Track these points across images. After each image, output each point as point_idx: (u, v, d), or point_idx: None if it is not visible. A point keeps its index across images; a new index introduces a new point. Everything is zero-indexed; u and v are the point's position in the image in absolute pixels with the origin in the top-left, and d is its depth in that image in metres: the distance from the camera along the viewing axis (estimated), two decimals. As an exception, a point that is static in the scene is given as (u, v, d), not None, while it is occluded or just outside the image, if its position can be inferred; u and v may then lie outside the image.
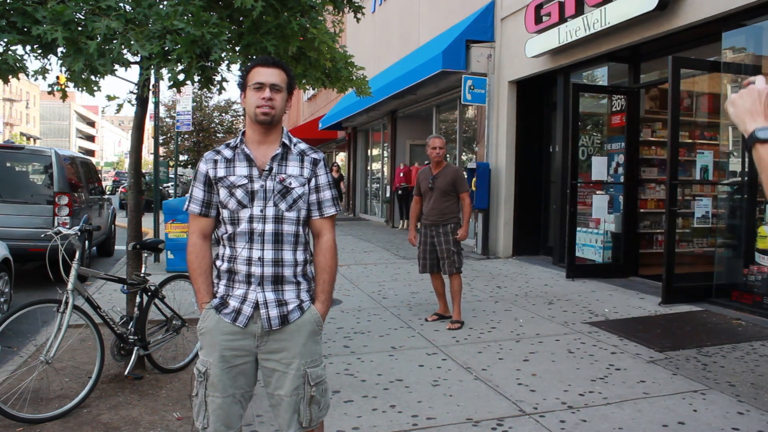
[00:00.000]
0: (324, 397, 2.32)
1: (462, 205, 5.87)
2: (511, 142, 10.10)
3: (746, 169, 6.38)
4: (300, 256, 2.30)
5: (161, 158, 14.96)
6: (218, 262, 2.31)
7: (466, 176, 10.66)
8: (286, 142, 2.32)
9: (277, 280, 2.25)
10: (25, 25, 3.48)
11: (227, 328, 2.24)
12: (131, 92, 4.31)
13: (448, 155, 14.11)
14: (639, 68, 8.14)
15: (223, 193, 2.26)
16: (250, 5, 3.58)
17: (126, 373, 4.12)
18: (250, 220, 2.23)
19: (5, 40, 3.52)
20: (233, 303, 2.25)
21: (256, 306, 2.23)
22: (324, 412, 2.34)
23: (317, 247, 2.37)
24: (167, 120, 29.25)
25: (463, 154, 12.73)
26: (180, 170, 26.28)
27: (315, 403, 2.27)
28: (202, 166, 2.31)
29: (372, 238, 13.28)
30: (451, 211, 5.81)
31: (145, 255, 4.40)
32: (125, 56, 3.68)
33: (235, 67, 4.13)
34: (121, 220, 8.77)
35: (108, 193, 11.54)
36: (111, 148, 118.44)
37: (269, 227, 2.24)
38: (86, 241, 8.27)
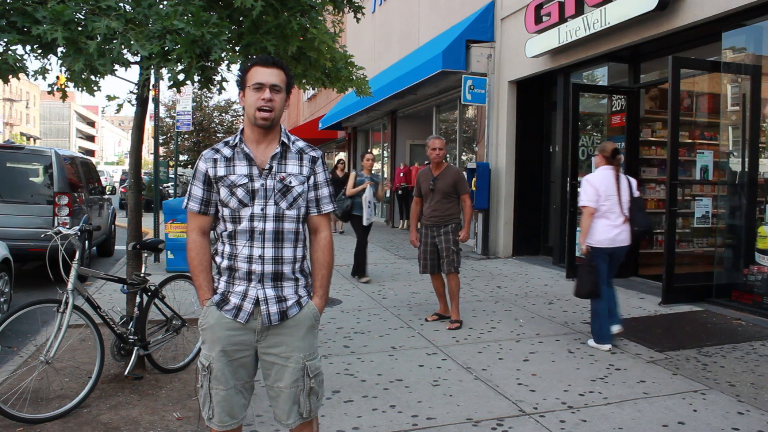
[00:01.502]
0: (321, 389, 2.40)
1: (463, 207, 5.85)
2: (511, 142, 10.10)
3: (746, 169, 6.38)
4: (299, 253, 2.34)
5: (161, 158, 14.96)
6: (218, 259, 2.34)
7: (465, 176, 10.69)
8: (285, 140, 2.34)
9: (277, 277, 2.29)
10: (25, 25, 3.48)
11: (228, 323, 2.29)
12: (131, 92, 4.31)
13: (447, 155, 14.12)
14: (639, 68, 8.14)
15: (223, 192, 2.28)
16: (250, 5, 3.58)
17: (126, 373, 4.12)
18: (251, 218, 2.26)
19: (5, 40, 3.52)
20: (234, 299, 2.29)
21: (256, 302, 2.28)
22: (321, 403, 2.42)
23: (315, 244, 2.42)
24: (167, 120, 29.26)
25: (463, 154, 12.73)
26: (180, 170, 26.27)
27: (314, 394, 2.35)
28: (202, 165, 2.32)
29: (372, 238, 13.20)
30: (453, 212, 5.79)
31: (145, 255, 4.40)
32: (125, 56, 3.68)
33: (235, 67, 4.12)
34: (121, 220, 8.78)
35: (108, 193, 11.51)
36: (111, 148, 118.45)
37: (270, 225, 2.27)
38: (86, 241, 8.26)
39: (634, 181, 5.18)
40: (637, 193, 5.12)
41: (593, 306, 4.98)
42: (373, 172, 8.40)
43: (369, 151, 9.19)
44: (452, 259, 5.71)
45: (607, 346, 4.90)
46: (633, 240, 5.03)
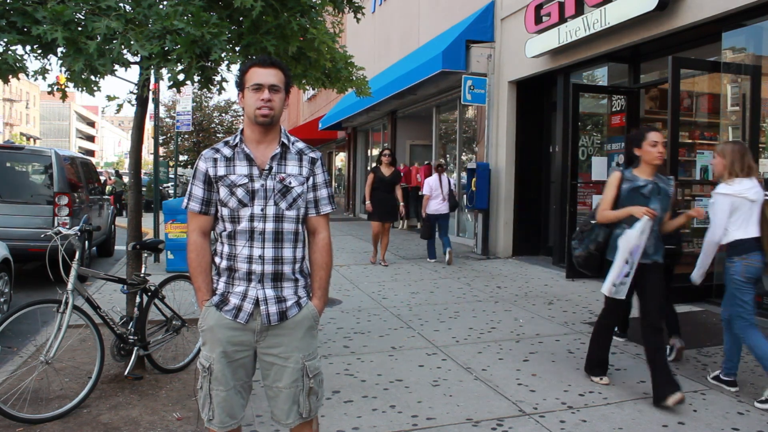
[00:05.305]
0: (321, 389, 2.41)
1: None
2: (511, 142, 10.10)
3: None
4: (299, 254, 2.35)
5: (161, 158, 14.94)
6: (217, 260, 2.35)
7: (466, 177, 10.71)
8: (285, 141, 2.35)
9: (277, 278, 2.30)
10: (25, 25, 3.48)
11: (228, 324, 2.30)
12: (131, 92, 4.31)
13: (447, 155, 14.13)
14: (639, 68, 8.14)
15: (223, 191, 2.29)
16: (250, 5, 3.58)
17: (126, 373, 4.12)
18: (251, 218, 2.27)
19: (5, 40, 3.52)
20: (234, 300, 2.30)
21: (256, 303, 2.29)
22: (320, 403, 2.43)
23: (314, 245, 2.43)
24: (167, 120, 29.27)
25: (463, 154, 12.73)
26: (180, 170, 26.28)
27: (313, 394, 2.36)
28: (202, 165, 2.33)
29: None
30: None
31: (145, 255, 4.40)
32: (125, 56, 3.68)
33: (235, 68, 4.12)
34: (121, 220, 8.77)
35: (108, 193, 11.51)
36: (111, 148, 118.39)
37: (270, 226, 2.28)
38: (86, 241, 8.26)
39: (453, 180, 9.99)
40: (453, 187, 9.52)
41: (428, 244, 9.74)
42: (657, 173, 4.03)
43: (655, 128, 4.02)
44: None
45: (431, 260, 9.58)
46: (450, 210, 9.45)
